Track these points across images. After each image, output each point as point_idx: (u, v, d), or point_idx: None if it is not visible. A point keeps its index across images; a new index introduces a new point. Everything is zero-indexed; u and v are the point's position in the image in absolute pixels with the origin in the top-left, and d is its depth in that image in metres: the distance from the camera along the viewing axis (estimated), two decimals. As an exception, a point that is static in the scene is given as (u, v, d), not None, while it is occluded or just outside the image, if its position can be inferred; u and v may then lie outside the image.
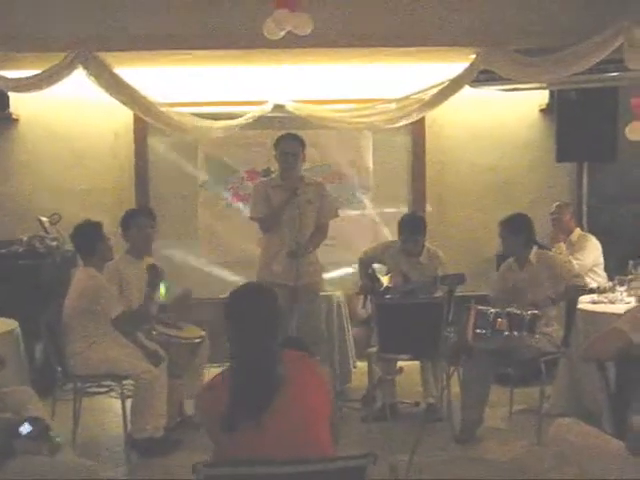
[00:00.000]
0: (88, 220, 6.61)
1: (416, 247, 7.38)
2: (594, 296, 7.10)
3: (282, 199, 7.04)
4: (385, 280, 7.53)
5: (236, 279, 8.80)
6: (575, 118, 8.47)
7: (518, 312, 6.26)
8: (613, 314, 6.53)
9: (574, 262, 7.74)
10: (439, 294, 7.04)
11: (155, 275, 6.58)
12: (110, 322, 6.33)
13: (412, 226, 7.37)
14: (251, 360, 3.48)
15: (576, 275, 6.89)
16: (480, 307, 6.24)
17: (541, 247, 7.13)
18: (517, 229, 6.83)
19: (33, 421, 4.25)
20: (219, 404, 3.38)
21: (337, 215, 7.45)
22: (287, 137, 7.17)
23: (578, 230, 8.34)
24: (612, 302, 6.95)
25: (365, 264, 7.65)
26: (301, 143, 7.13)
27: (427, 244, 7.48)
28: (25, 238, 8.24)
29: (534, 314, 6.26)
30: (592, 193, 8.97)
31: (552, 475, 4.02)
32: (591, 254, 8.13)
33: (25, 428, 4.16)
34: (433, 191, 9.34)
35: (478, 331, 6.21)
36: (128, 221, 6.84)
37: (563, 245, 8.09)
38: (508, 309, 6.27)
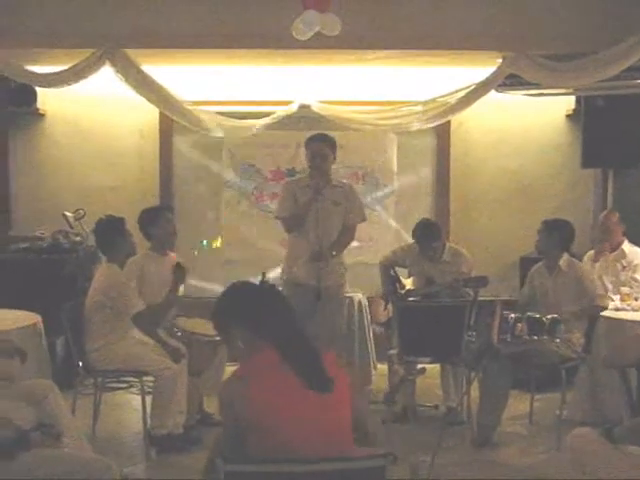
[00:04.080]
0: (110, 216, 6.60)
1: (435, 253, 7.37)
2: (617, 303, 7.07)
3: (307, 198, 7.03)
4: (407, 283, 7.52)
5: (258, 279, 8.82)
6: (601, 124, 8.40)
7: (537, 316, 6.26)
8: (635, 322, 6.53)
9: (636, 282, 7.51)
10: (465, 296, 7.01)
11: (181, 274, 6.58)
12: (130, 319, 6.34)
13: (426, 234, 7.35)
14: (304, 342, 3.53)
15: (601, 295, 6.84)
16: (502, 312, 6.24)
17: (572, 255, 7.08)
18: (555, 230, 6.83)
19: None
20: (266, 391, 3.36)
21: (365, 219, 7.37)
22: (316, 138, 7.09)
23: (627, 242, 7.79)
24: (635, 310, 6.92)
25: (386, 268, 7.62)
26: (331, 144, 7.04)
27: (449, 243, 7.47)
28: (49, 233, 8.29)
29: (554, 318, 6.26)
30: (617, 200, 8.91)
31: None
32: None
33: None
34: (458, 194, 9.32)
35: (500, 336, 6.21)
36: (154, 217, 6.81)
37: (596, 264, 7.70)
38: (528, 314, 6.27)
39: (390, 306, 7.31)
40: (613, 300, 7.15)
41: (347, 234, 7.19)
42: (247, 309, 3.55)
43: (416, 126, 8.46)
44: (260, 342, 3.46)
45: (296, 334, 3.54)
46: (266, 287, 3.94)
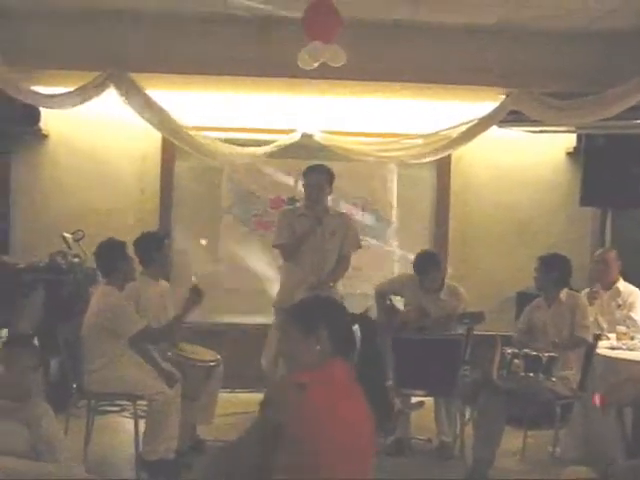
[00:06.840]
0: (113, 239, 6.60)
1: (434, 284, 7.33)
2: (613, 342, 7.06)
3: (306, 228, 7.06)
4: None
5: (254, 306, 8.82)
6: (602, 163, 8.42)
7: (535, 354, 6.25)
8: (631, 361, 6.52)
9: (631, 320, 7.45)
10: (458, 331, 7.00)
11: (197, 297, 6.56)
12: (127, 340, 6.34)
13: (426, 264, 7.31)
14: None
15: (585, 326, 6.84)
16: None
17: (572, 289, 7.09)
18: (552, 267, 6.86)
19: None
20: (323, 402, 3.35)
21: (360, 247, 7.44)
22: (314, 169, 7.19)
23: (622, 280, 7.73)
24: (630, 349, 6.91)
25: (382, 296, 7.58)
26: (328, 176, 7.14)
27: (447, 281, 7.45)
28: (47, 253, 8.28)
29: (551, 356, 6.25)
30: (615, 239, 8.91)
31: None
32: None
33: None
34: (456, 228, 9.33)
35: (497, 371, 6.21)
36: (160, 242, 6.86)
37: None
38: (525, 350, 6.27)
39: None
40: (609, 339, 7.14)
41: (342, 263, 7.27)
42: (343, 319, 3.58)
43: (417, 159, 8.50)
44: (334, 355, 3.46)
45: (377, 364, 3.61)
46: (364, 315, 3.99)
